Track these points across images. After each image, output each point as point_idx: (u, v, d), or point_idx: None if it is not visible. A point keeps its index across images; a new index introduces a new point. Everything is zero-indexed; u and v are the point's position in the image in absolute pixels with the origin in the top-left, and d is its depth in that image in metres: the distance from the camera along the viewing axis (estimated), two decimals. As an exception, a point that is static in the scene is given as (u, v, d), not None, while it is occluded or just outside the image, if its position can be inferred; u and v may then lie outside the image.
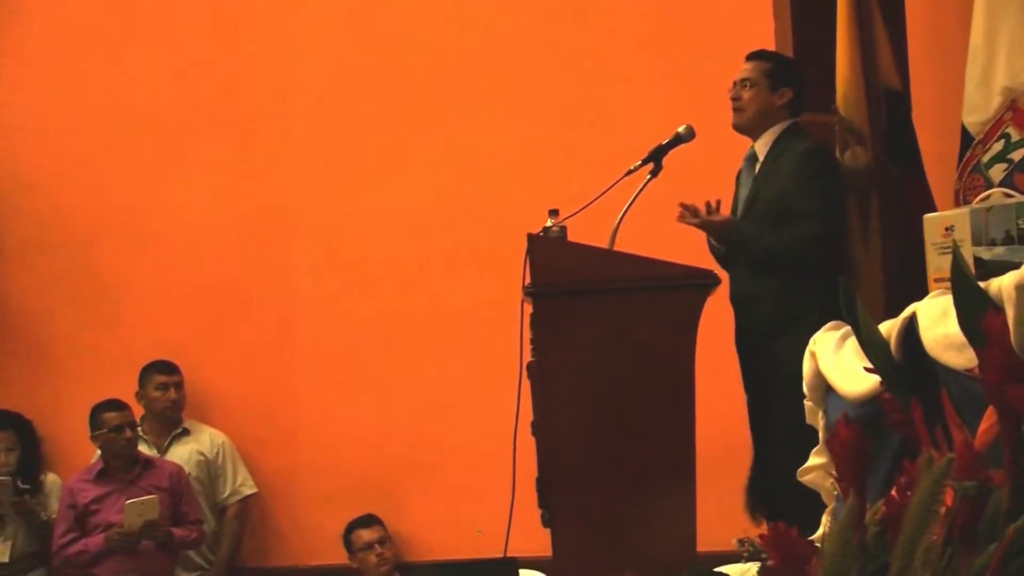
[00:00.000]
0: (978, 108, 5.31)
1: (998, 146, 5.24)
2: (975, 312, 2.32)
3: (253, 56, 7.92)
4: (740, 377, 5.58)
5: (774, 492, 5.34)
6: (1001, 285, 2.29)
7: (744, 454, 5.61)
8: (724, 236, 5.44)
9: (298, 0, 7.90)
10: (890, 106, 5.55)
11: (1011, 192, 3.83)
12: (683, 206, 5.32)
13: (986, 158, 5.26)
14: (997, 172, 5.22)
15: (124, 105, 8.01)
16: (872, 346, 2.88)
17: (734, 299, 5.47)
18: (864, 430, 2.88)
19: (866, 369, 2.97)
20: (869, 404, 3.11)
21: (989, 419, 2.36)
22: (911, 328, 2.80)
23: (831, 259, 5.36)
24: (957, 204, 5.35)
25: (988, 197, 4.01)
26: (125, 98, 8.01)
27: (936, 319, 2.62)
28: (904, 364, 2.85)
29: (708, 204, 5.37)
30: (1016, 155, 5.19)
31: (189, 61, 7.99)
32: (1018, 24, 5.25)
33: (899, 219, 5.43)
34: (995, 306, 2.31)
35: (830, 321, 4.93)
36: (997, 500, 2.31)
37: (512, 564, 5.91)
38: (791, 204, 5.32)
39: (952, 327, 2.51)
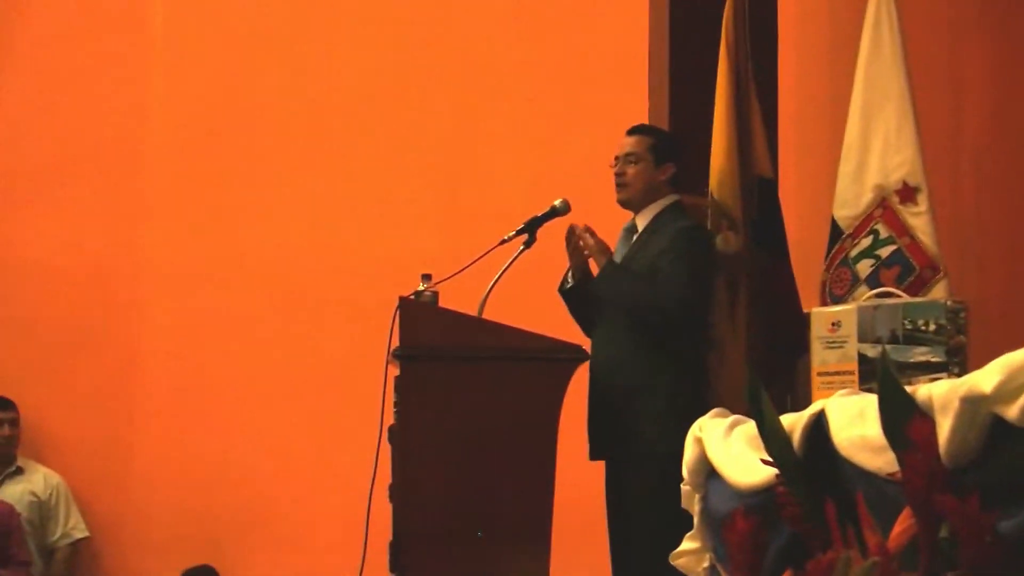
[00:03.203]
0: (849, 203, 5.44)
1: (866, 242, 5.37)
2: (900, 417, 2.35)
3: (108, 95, 7.83)
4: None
5: (629, 568, 5.35)
6: (933, 393, 2.32)
7: (600, 526, 5.62)
8: (603, 269, 5.38)
9: (157, 42, 7.82)
10: (762, 194, 5.61)
11: (892, 291, 3.90)
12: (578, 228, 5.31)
13: (854, 252, 5.38)
14: (864, 267, 5.34)
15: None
16: (774, 439, 2.91)
17: (593, 362, 5.44)
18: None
19: (763, 461, 2.99)
20: (759, 495, 3.13)
21: (903, 522, 2.39)
22: (817, 425, 2.83)
23: (689, 333, 5.38)
24: (823, 296, 5.46)
25: (866, 296, 4.09)
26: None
27: (852, 419, 2.65)
28: (805, 460, 2.88)
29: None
30: (883, 252, 5.32)
31: (43, 90, 7.87)
32: (892, 123, 5.40)
33: (765, 305, 5.50)
34: (921, 412, 2.35)
35: (686, 394, 5.06)
36: (908, 604, 2.34)
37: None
38: (660, 271, 5.31)
39: (870, 429, 2.54)
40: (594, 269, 5.49)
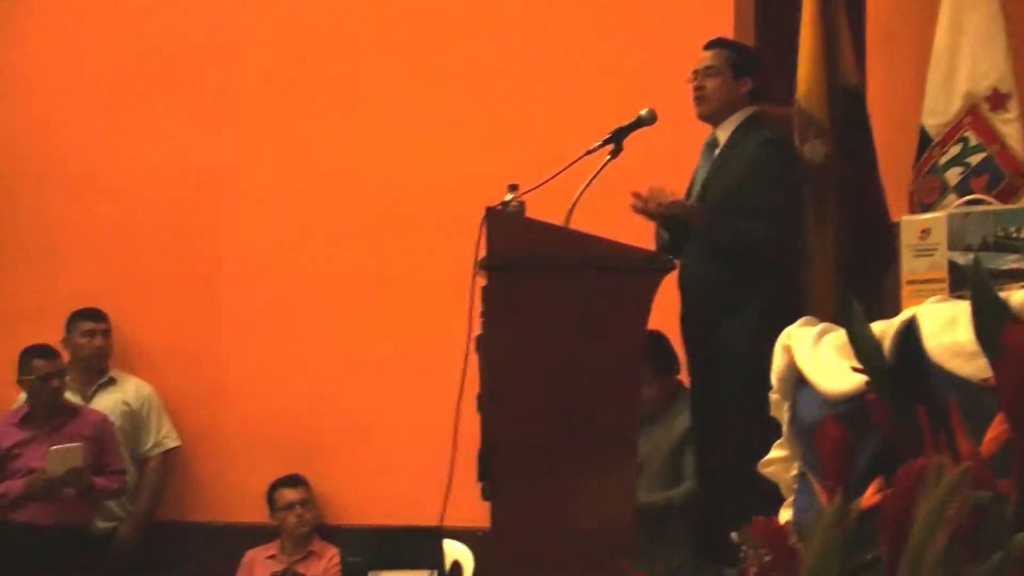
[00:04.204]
0: (938, 111, 5.39)
1: (956, 149, 5.32)
2: (994, 322, 2.35)
3: (199, 7, 7.86)
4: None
5: (717, 477, 5.39)
6: (1027, 299, 2.33)
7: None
8: (691, 220, 5.39)
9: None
10: (848, 103, 5.60)
11: (983, 198, 3.87)
12: (636, 195, 5.30)
13: (943, 161, 5.33)
14: (953, 175, 5.30)
15: (62, 43, 7.97)
16: (864, 346, 2.91)
17: (682, 283, 5.48)
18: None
19: (853, 369, 2.99)
20: (848, 402, 3.14)
21: (996, 428, 2.40)
22: (908, 332, 2.83)
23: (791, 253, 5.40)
24: (912, 205, 5.43)
25: (955, 204, 4.07)
26: (63, 37, 7.98)
27: (943, 326, 2.65)
28: (896, 367, 2.88)
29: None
30: (973, 159, 5.28)
31: (135, 10, 7.92)
32: (983, 30, 5.33)
33: (853, 215, 5.49)
34: (1015, 318, 2.35)
35: (776, 310, 5.05)
36: (1000, 509, 2.35)
37: (435, 534, 5.93)
38: (749, 195, 5.31)
39: (962, 335, 2.54)
40: None
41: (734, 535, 2.60)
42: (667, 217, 5.44)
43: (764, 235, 5.27)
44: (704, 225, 5.36)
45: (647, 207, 5.33)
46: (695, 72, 5.55)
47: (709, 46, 5.62)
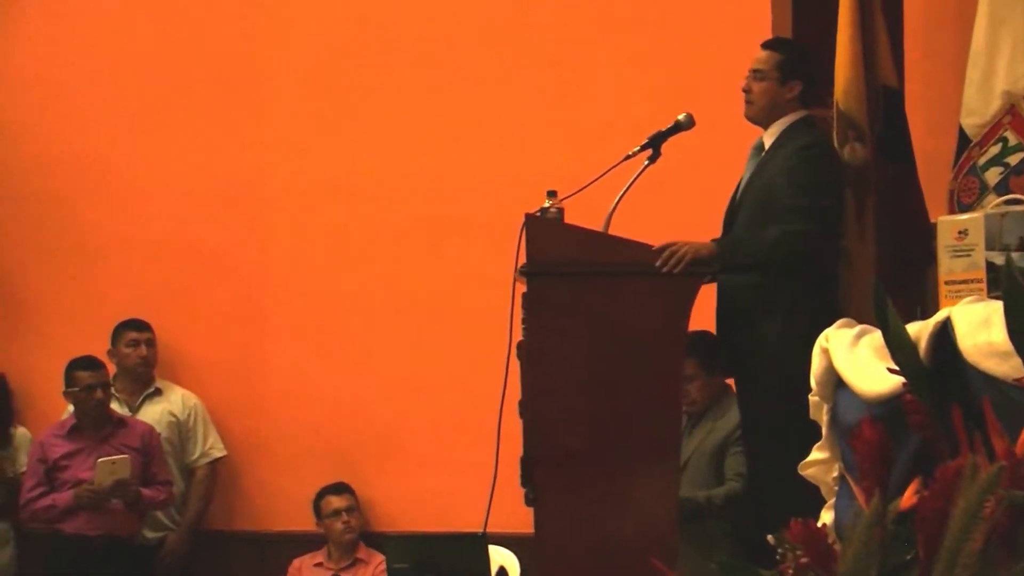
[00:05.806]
0: (977, 111, 5.35)
1: (995, 149, 5.29)
2: (1026, 323, 2.36)
3: (237, 17, 7.90)
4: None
5: (758, 478, 5.39)
6: (1059, 298, 2.33)
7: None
8: (716, 258, 5.33)
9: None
10: (887, 104, 5.59)
11: (1021, 197, 3.86)
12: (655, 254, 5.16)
13: (982, 161, 5.30)
14: (993, 175, 5.26)
15: (110, 62, 8.00)
16: (900, 348, 2.92)
17: (719, 287, 5.49)
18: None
19: (890, 370, 3.00)
20: (886, 404, 3.14)
21: (1033, 428, 2.40)
22: (943, 332, 2.83)
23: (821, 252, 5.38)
24: (951, 205, 5.41)
25: (994, 204, 4.06)
26: (111, 55, 8.01)
27: (977, 326, 2.66)
28: (932, 368, 2.89)
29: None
30: (1013, 159, 5.24)
31: (175, 21, 7.97)
32: (1020, 29, 5.29)
33: (893, 216, 5.48)
34: (1047, 318, 2.35)
35: (808, 311, 5.05)
36: (1035, 508, 2.35)
37: (480, 539, 5.94)
38: (778, 197, 5.29)
39: (996, 335, 2.55)
40: None
41: (770, 537, 2.60)
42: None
43: (779, 234, 5.22)
44: (721, 260, 5.27)
45: (668, 266, 5.20)
46: (750, 72, 5.55)
47: (764, 46, 5.60)
